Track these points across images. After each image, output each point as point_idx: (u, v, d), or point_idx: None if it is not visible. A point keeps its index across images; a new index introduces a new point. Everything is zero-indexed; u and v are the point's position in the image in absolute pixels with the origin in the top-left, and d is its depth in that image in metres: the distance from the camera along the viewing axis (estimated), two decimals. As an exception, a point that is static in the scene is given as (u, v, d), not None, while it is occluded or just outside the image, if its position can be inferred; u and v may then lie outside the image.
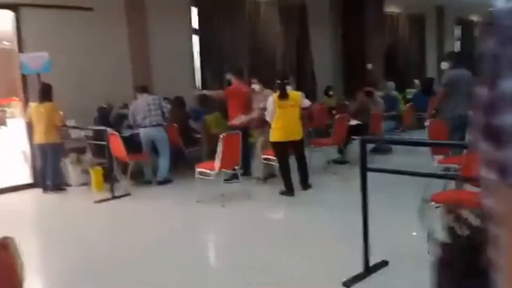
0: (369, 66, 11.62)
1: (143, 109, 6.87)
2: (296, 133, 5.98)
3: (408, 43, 14.33)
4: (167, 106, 7.32)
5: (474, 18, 17.12)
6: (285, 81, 6.01)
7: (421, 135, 8.24)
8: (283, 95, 5.88)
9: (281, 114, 5.86)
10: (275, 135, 5.96)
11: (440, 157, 5.20)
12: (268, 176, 6.76)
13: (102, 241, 4.84)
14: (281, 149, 6.00)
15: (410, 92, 11.95)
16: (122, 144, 6.54)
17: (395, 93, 10.05)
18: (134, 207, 6.07)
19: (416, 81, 12.94)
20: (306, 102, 6.27)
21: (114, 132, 6.61)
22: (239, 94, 6.89)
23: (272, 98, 5.94)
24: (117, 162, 6.84)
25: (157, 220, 5.45)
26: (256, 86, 6.96)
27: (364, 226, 3.45)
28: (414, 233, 4.18)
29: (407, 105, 8.95)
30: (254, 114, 6.60)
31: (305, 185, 6.19)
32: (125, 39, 8.05)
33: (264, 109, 6.01)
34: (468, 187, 3.88)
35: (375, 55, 11.84)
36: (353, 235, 3.68)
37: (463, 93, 5.64)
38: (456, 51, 9.87)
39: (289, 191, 5.95)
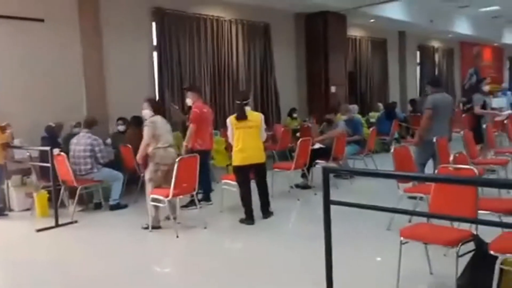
0: (333, 89, 11.56)
1: (75, 154, 6.33)
2: (257, 156, 5.69)
3: (371, 67, 14.45)
4: (104, 150, 6.62)
5: (434, 44, 17.54)
6: (244, 102, 5.73)
7: (385, 159, 8.13)
8: (241, 116, 5.63)
9: (240, 135, 5.60)
10: (235, 159, 5.67)
11: (405, 185, 5.01)
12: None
13: (39, 275, 4.34)
14: (242, 173, 5.68)
15: (374, 115, 11.94)
16: (69, 166, 6.05)
17: (358, 116, 10.02)
18: (80, 236, 5.57)
19: (380, 104, 12.99)
20: (264, 136, 5.89)
21: (61, 153, 6.12)
22: (206, 118, 6.61)
23: (229, 120, 5.72)
24: (65, 186, 6.33)
25: (104, 252, 4.98)
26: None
27: (327, 260, 3.17)
28: (379, 258, 4.15)
29: (371, 129, 8.84)
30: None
31: (266, 212, 5.86)
32: (78, 53, 7.60)
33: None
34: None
35: (338, 78, 11.81)
36: (315, 266, 3.37)
37: (446, 115, 6.14)
38: (436, 76, 10.23)
39: (248, 218, 5.62)
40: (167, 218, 5.64)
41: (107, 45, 7.94)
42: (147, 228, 5.44)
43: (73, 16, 7.54)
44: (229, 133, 5.77)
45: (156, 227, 5.46)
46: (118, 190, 6.59)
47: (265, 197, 5.89)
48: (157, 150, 5.46)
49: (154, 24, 8.82)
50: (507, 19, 17.43)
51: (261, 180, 5.85)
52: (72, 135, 6.91)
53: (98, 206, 6.60)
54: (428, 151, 5.97)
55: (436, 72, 17.59)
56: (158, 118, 5.62)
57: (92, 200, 6.71)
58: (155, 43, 8.85)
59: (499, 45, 21.08)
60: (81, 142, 6.38)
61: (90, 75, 7.71)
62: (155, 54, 8.87)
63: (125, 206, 6.62)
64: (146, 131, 5.48)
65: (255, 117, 5.76)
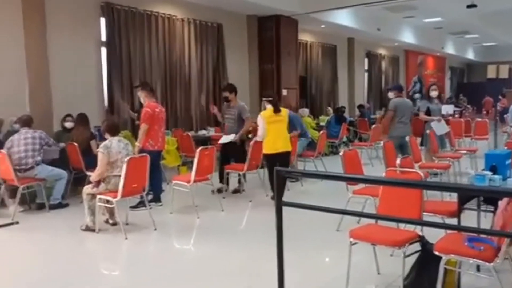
0: (284, 92, 11.68)
1: (19, 149, 6.04)
2: (286, 145, 6.46)
3: (321, 71, 14.73)
4: (52, 143, 6.49)
5: (381, 51, 18.15)
6: (272, 99, 6.53)
7: (334, 161, 8.32)
8: (277, 110, 6.40)
9: (271, 128, 6.27)
10: (267, 148, 6.34)
11: (354, 187, 5.14)
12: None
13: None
14: (272, 160, 6.27)
15: (323, 119, 12.18)
16: (10, 165, 5.74)
17: (308, 119, 10.23)
18: (21, 238, 5.30)
19: (329, 108, 13.26)
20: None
21: (2, 150, 5.80)
22: (159, 118, 6.44)
23: (261, 116, 6.32)
24: (5, 185, 6.00)
25: (49, 254, 4.76)
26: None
27: (279, 261, 3.17)
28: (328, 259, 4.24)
29: (321, 132, 9.01)
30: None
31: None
32: (20, 46, 7.20)
33: None
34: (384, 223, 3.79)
35: (290, 81, 11.95)
36: (266, 268, 3.38)
37: (406, 116, 7.39)
38: (399, 83, 10.77)
39: None
40: (107, 221, 5.48)
41: (52, 38, 7.58)
42: (86, 230, 5.25)
43: (15, 6, 7.15)
44: (260, 127, 6.30)
45: (92, 229, 5.25)
46: (61, 189, 6.34)
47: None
48: (113, 178, 5.19)
49: (103, 19, 8.54)
50: (449, 30, 18.34)
51: (285, 166, 6.28)
52: (12, 132, 6.56)
53: (41, 206, 6.30)
54: (396, 145, 6.82)
55: (383, 79, 18.22)
56: (114, 142, 5.30)
57: (35, 200, 6.41)
58: (104, 38, 8.58)
59: (441, 55, 22.12)
60: (29, 135, 6.12)
61: (33, 70, 7.32)
62: (103, 50, 8.60)
63: (65, 205, 6.39)
64: (101, 158, 5.15)
65: (284, 112, 6.53)
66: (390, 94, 8.06)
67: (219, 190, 7.06)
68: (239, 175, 7.12)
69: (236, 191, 7.23)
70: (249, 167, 6.82)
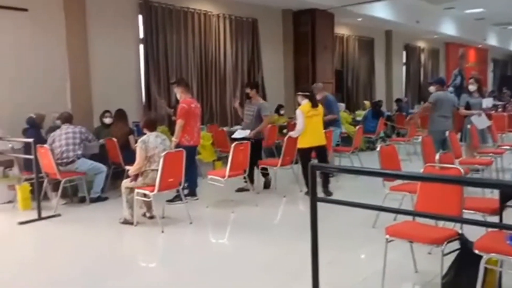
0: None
1: (60, 143, 6.28)
2: (322, 138, 6.55)
3: (358, 65, 14.52)
4: (92, 138, 6.73)
5: (420, 44, 17.70)
6: (310, 93, 6.56)
7: (370, 157, 8.18)
8: (315, 104, 6.45)
9: (309, 122, 6.30)
10: (303, 142, 6.38)
11: (391, 183, 5.04)
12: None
13: (20, 268, 4.27)
14: (307, 154, 6.40)
15: (360, 114, 12.00)
16: (53, 159, 5.95)
17: (331, 95, 9.73)
18: (62, 230, 5.48)
19: (366, 102, 13.05)
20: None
21: (45, 145, 6.02)
22: (194, 113, 6.52)
23: (300, 110, 6.34)
24: (48, 179, 6.23)
25: (89, 246, 4.90)
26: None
27: (313, 257, 3.15)
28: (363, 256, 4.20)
29: (357, 127, 8.87)
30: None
31: (327, 191, 6.40)
32: (62, 44, 7.45)
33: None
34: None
35: (325, 75, 11.83)
36: (301, 264, 3.37)
37: (447, 110, 7.20)
38: (441, 77, 10.49)
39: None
40: (144, 215, 5.61)
41: (92, 36, 7.81)
42: (124, 222, 5.38)
43: (58, 6, 7.39)
44: (299, 121, 6.31)
45: (130, 222, 5.37)
46: (100, 182, 6.53)
47: (325, 176, 6.51)
48: (150, 172, 5.31)
49: (140, 17, 8.71)
50: (492, 21, 17.67)
51: (323, 159, 6.54)
52: (54, 128, 6.80)
53: (82, 200, 6.50)
54: (436, 140, 6.67)
55: (422, 72, 17.76)
56: (151, 138, 5.41)
57: (77, 194, 6.62)
58: (141, 36, 8.75)
59: (483, 47, 21.36)
60: (70, 131, 6.37)
61: (74, 66, 7.57)
62: (141, 47, 8.77)
63: (105, 199, 6.57)
64: (139, 152, 5.30)
65: (320, 107, 6.58)
66: (431, 88, 7.91)
67: (241, 190, 6.89)
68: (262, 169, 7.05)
69: (267, 185, 7.17)
70: (283, 162, 6.80)
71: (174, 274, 4.13)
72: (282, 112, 10.87)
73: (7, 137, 6.48)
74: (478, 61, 21.75)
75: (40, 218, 5.66)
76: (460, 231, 3.46)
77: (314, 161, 6.57)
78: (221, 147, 8.43)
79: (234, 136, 7.09)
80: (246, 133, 6.83)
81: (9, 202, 6.41)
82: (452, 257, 3.36)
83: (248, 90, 7.11)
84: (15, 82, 7.03)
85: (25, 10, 7.03)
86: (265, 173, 7.17)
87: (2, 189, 6.48)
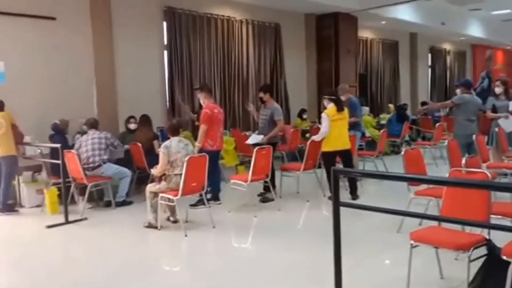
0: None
1: (87, 148, 6.42)
2: (347, 142, 6.53)
3: (382, 68, 14.37)
4: (117, 144, 6.84)
5: (446, 46, 17.41)
6: (335, 97, 6.59)
7: (395, 161, 8.09)
8: (341, 108, 6.47)
9: (334, 126, 6.32)
10: (327, 145, 6.39)
11: (416, 188, 4.96)
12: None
13: (48, 271, 4.36)
14: (331, 158, 6.40)
15: (384, 117, 11.86)
16: (79, 164, 6.07)
17: (355, 98, 9.51)
18: (89, 234, 5.59)
19: (390, 106, 12.89)
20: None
21: (72, 150, 6.15)
22: (217, 118, 6.56)
23: (326, 114, 6.36)
24: (75, 184, 6.36)
25: (114, 250, 4.98)
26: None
27: (336, 262, 3.12)
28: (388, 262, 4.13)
29: (381, 131, 8.78)
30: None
31: (354, 194, 6.47)
32: (89, 51, 7.62)
33: None
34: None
35: (349, 79, 11.74)
36: (324, 268, 3.34)
37: (473, 113, 7.01)
38: (468, 79, 10.25)
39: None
40: (168, 219, 5.67)
41: (118, 43, 7.97)
42: (148, 226, 5.44)
43: (85, 15, 7.57)
44: (324, 125, 6.34)
45: (154, 226, 5.43)
46: (125, 187, 6.63)
47: (352, 179, 6.48)
48: (174, 177, 5.36)
49: (164, 23, 8.84)
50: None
51: (348, 163, 6.51)
52: (82, 133, 6.95)
53: (108, 204, 6.62)
54: (462, 143, 6.54)
55: (448, 75, 17.45)
56: (173, 142, 5.46)
57: (102, 198, 6.75)
58: (165, 42, 8.87)
59: (511, 48, 20.87)
60: (95, 136, 6.52)
61: (101, 73, 7.73)
62: (165, 53, 8.89)
63: (130, 203, 6.66)
64: (161, 157, 5.38)
65: (345, 110, 6.61)
66: (458, 91, 7.81)
67: (263, 196, 6.71)
68: (265, 182, 6.50)
69: (265, 200, 6.65)
70: (306, 166, 6.76)
71: (197, 277, 4.16)
72: (305, 116, 10.85)
73: (36, 142, 6.67)
74: (506, 63, 21.25)
75: (67, 222, 5.78)
76: (487, 237, 3.38)
77: (339, 166, 6.52)
78: (244, 151, 8.46)
79: (247, 142, 7.02)
80: (259, 138, 6.70)
81: (38, 206, 6.57)
82: (479, 263, 3.28)
83: (261, 94, 6.94)
84: (43, 89, 7.22)
85: (53, 18, 7.22)
86: (267, 187, 6.64)
87: (31, 193, 6.66)
